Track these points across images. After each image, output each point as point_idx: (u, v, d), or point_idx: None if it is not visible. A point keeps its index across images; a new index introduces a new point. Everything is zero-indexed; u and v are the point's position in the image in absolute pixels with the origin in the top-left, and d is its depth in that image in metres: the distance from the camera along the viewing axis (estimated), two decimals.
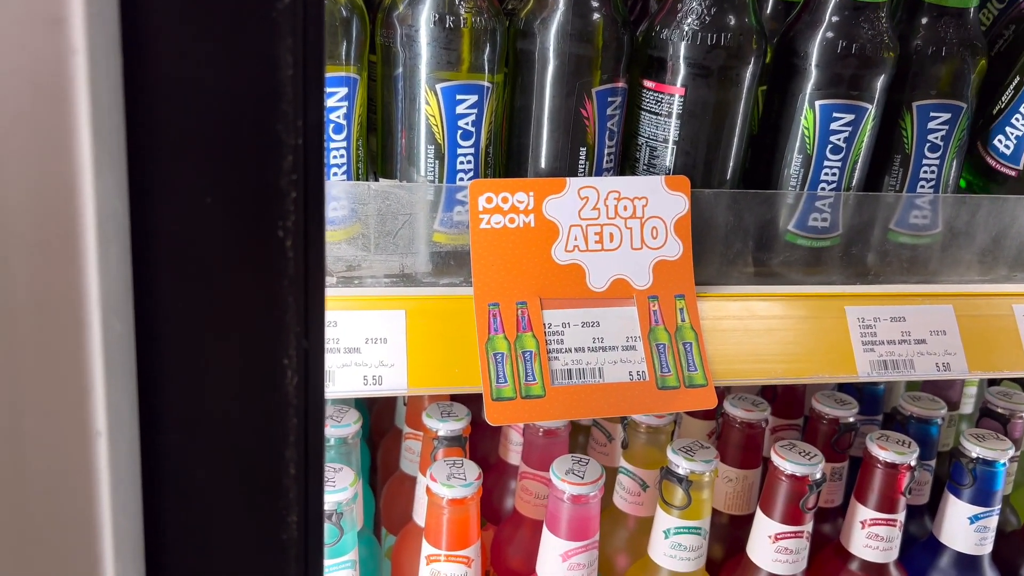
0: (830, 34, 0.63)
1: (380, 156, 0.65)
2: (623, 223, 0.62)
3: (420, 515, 0.78)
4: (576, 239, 0.61)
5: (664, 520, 0.72)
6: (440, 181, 0.61)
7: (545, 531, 0.69)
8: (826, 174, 0.66)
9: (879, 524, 0.75)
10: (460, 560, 0.67)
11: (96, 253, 0.29)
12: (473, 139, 0.61)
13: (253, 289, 0.35)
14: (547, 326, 0.60)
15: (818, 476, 0.70)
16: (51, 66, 0.26)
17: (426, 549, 0.68)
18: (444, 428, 0.74)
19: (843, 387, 0.93)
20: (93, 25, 0.28)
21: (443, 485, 0.65)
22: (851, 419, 0.82)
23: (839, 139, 0.65)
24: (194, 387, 0.34)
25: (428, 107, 0.59)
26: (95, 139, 0.28)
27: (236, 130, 0.33)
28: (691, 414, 0.90)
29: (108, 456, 0.30)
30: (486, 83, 0.60)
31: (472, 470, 0.67)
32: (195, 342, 0.34)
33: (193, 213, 0.33)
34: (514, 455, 0.87)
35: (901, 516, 0.75)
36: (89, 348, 0.29)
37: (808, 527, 0.73)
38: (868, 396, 0.93)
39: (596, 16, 0.61)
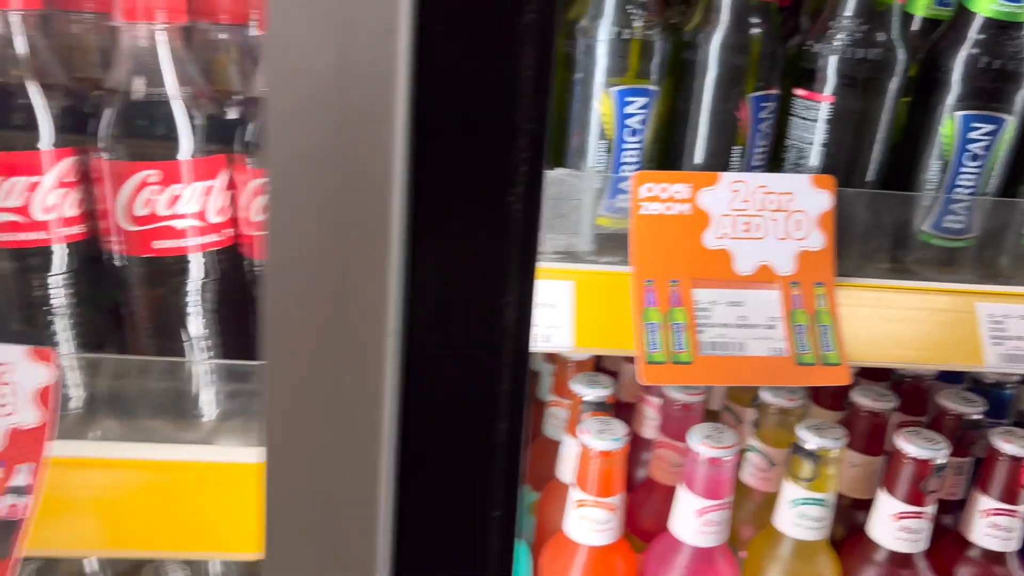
0: (973, 50, 0.69)
1: (554, 149, 0.74)
2: (770, 215, 0.70)
3: (565, 472, 0.87)
4: (725, 227, 0.69)
5: (791, 491, 0.78)
6: (608, 172, 0.70)
7: (681, 490, 0.77)
8: (962, 180, 0.72)
9: (1000, 514, 0.79)
10: (606, 507, 0.75)
11: (397, 198, 0.39)
12: (639, 136, 0.70)
13: (487, 240, 0.45)
14: (696, 303, 0.69)
15: (941, 460, 0.75)
16: (386, 64, 0.36)
17: (575, 495, 0.77)
18: (592, 394, 0.83)
19: (970, 390, 0.96)
20: (407, 35, 0.38)
21: (595, 438, 0.74)
22: (976, 416, 0.86)
23: (977, 148, 0.71)
24: (443, 307, 0.44)
25: (602, 107, 0.69)
26: (403, 116, 0.38)
27: (485, 115, 0.43)
28: (819, 403, 0.96)
29: (393, 350, 0.41)
30: (653, 87, 0.69)
31: (621, 428, 0.76)
32: (444, 276, 0.44)
33: (449, 176, 0.43)
34: (648, 430, 0.95)
35: (1022, 508, 0.79)
36: (389, 265, 0.39)
37: (929, 509, 0.77)
38: (995, 399, 0.96)
39: (754, 31, 0.69)
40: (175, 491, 0.64)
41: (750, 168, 0.72)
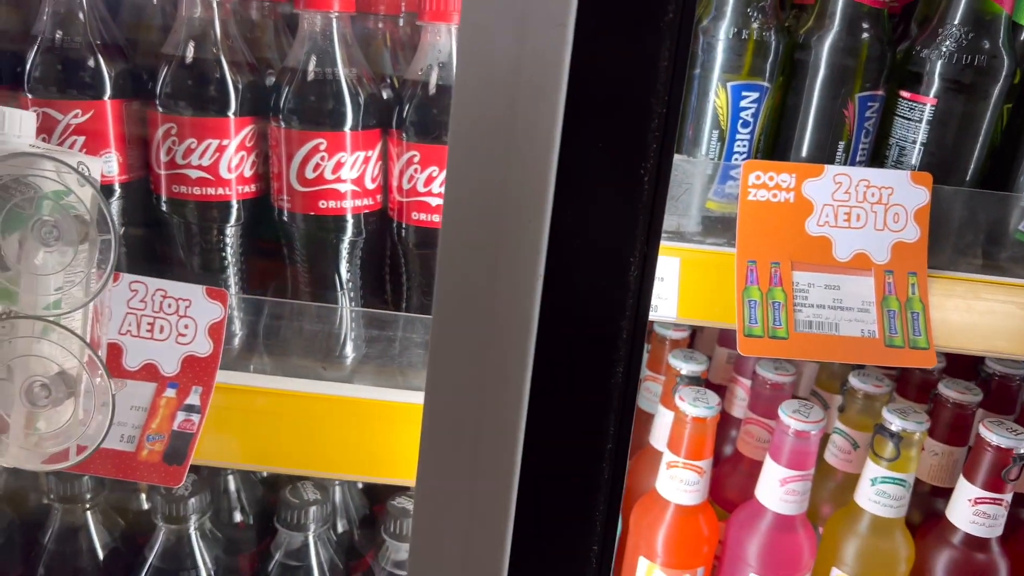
0: None
1: None
2: (869, 207, 0.75)
3: (658, 439, 0.94)
4: (827, 216, 0.75)
5: (872, 469, 0.83)
6: (719, 160, 0.77)
7: (768, 460, 0.83)
8: None
9: None
10: (695, 469, 0.82)
11: (553, 166, 0.47)
12: (750, 128, 0.76)
13: (621, 207, 0.52)
14: (795, 284, 0.74)
15: (1022, 450, 0.79)
16: (556, 53, 0.44)
17: (667, 457, 0.84)
18: (687, 368, 0.89)
19: None
20: (571, 29, 0.46)
21: (690, 404, 0.80)
22: None
23: None
24: (577, 258, 0.52)
25: (718, 100, 0.75)
26: (564, 96, 0.46)
27: (626, 98, 0.50)
28: (904, 395, 1.00)
29: (538, 294, 0.48)
30: (766, 84, 0.75)
31: (713, 398, 0.82)
32: (584, 234, 0.52)
33: (592, 149, 0.51)
34: (737, 408, 1.01)
35: None
36: (543, 222, 0.47)
37: (1007, 497, 0.81)
38: None
39: (864, 35, 0.74)
40: (318, 420, 0.74)
41: (853, 163, 0.77)
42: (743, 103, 0.75)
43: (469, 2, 0.43)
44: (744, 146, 0.76)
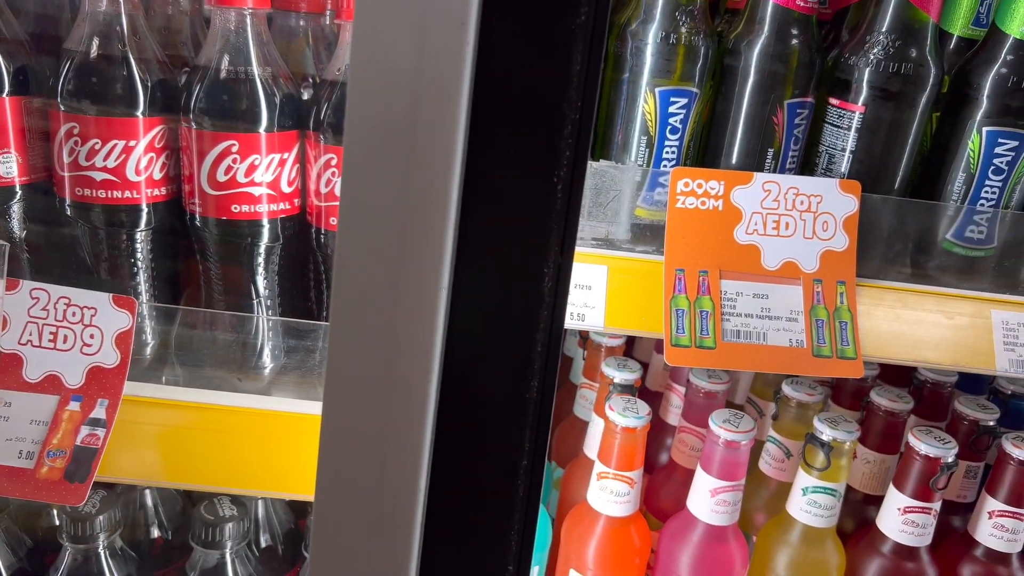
0: (1003, 70, 0.72)
1: (599, 143, 0.79)
2: (798, 215, 0.74)
3: (591, 448, 0.92)
4: (756, 224, 0.74)
5: (804, 479, 0.82)
6: (647, 166, 0.75)
7: (699, 471, 0.82)
8: (986, 192, 0.75)
9: (1006, 516, 0.83)
10: (626, 480, 0.80)
11: (457, 171, 0.45)
12: (679, 134, 0.75)
13: (532, 214, 0.50)
14: (723, 293, 0.73)
15: (950, 459, 0.79)
16: (458, 54, 0.42)
17: (598, 468, 0.82)
18: (620, 376, 0.88)
19: (990, 399, 0.99)
20: (473, 28, 0.44)
21: (620, 415, 0.79)
22: (991, 423, 0.90)
23: (1002, 162, 0.74)
24: (486, 268, 0.49)
25: (646, 105, 0.74)
26: (467, 99, 0.44)
27: (536, 103, 0.48)
28: (838, 402, 0.99)
29: (444, 305, 0.46)
30: (695, 89, 0.74)
31: (644, 408, 0.81)
32: (492, 245, 0.50)
33: (501, 155, 0.49)
34: (672, 416, 1.00)
35: None
36: (446, 230, 0.45)
37: (935, 506, 0.81)
38: (1013, 409, 0.99)
39: (794, 41, 0.73)
40: (234, 434, 0.71)
41: (783, 170, 0.77)
42: (672, 108, 0.73)
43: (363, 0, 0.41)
44: (673, 152, 0.75)
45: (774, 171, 0.76)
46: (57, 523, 0.87)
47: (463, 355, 0.50)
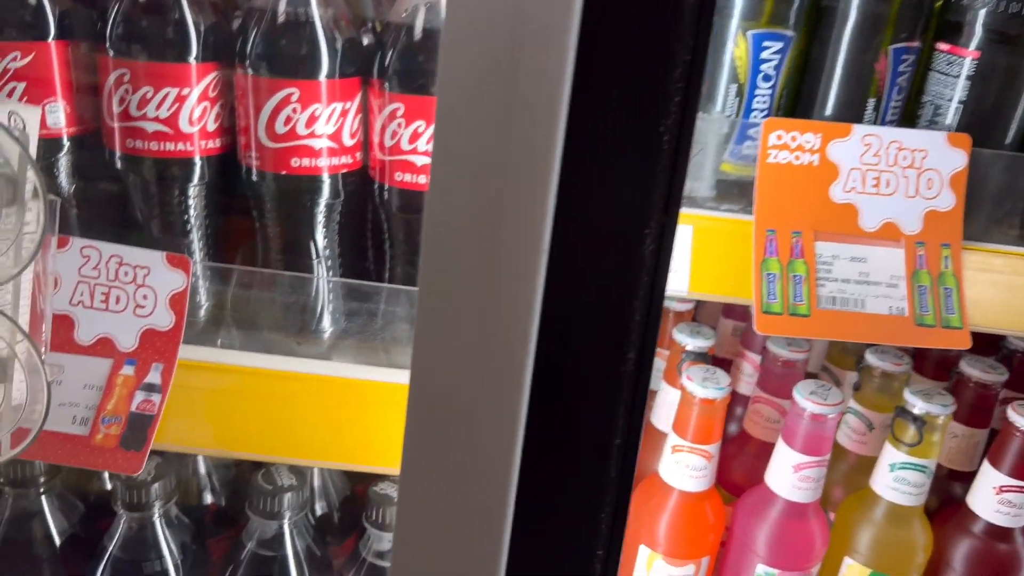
0: None
1: None
2: (900, 171, 0.68)
3: (660, 418, 0.88)
4: (854, 181, 0.68)
5: (891, 455, 0.77)
6: (736, 117, 0.69)
7: (780, 445, 0.77)
8: None
9: None
10: (703, 454, 0.76)
11: (561, 122, 0.40)
12: (772, 82, 0.68)
13: (637, 170, 0.45)
14: (818, 256, 0.68)
15: None
16: None
17: (672, 440, 0.77)
18: (693, 343, 0.83)
19: None
20: None
21: (699, 385, 0.74)
22: None
23: None
24: (584, 229, 0.45)
25: (737, 50, 0.67)
26: (573, 40, 0.39)
27: (645, 41, 0.43)
28: (921, 372, 0.94)
29: (543, 270, 0.42)
30: (790, 33, 0.68)
31: (724, 378, 0.76)
32: (593, 201, 0.45)
33: (602, 101, 0.43)
34: (744, 385, 0.95)
35: None
36: (548, 188, 0.40)
37: None
38: None
39: None
40: (293, 401, 0.67)
41: (883, 122, 0.70)
42: (764, 54, 0.67)
43: None
44: (764, 102, 0.69)
45: (874, 123, 0.70)
46: (110, 487, 0.85)
47: (559, 325, 0.46)
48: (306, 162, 0.64)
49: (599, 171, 0.44)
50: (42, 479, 0.76)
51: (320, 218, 0.68)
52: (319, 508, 0.88)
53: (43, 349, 0.61)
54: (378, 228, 0.72)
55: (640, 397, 0.50)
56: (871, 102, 0.69)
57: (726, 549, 0.83)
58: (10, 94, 0.63)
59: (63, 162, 0.68)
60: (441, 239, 0.41)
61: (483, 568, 0.50)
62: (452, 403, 0.45)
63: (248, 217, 0.71)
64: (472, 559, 0.50)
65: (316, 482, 0.88)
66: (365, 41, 0.66)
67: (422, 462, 0.47)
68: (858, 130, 0.68)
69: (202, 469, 0.86)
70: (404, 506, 0.49)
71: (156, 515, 0.74)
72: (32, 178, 0.47)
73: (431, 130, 0.65)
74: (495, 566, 0.50)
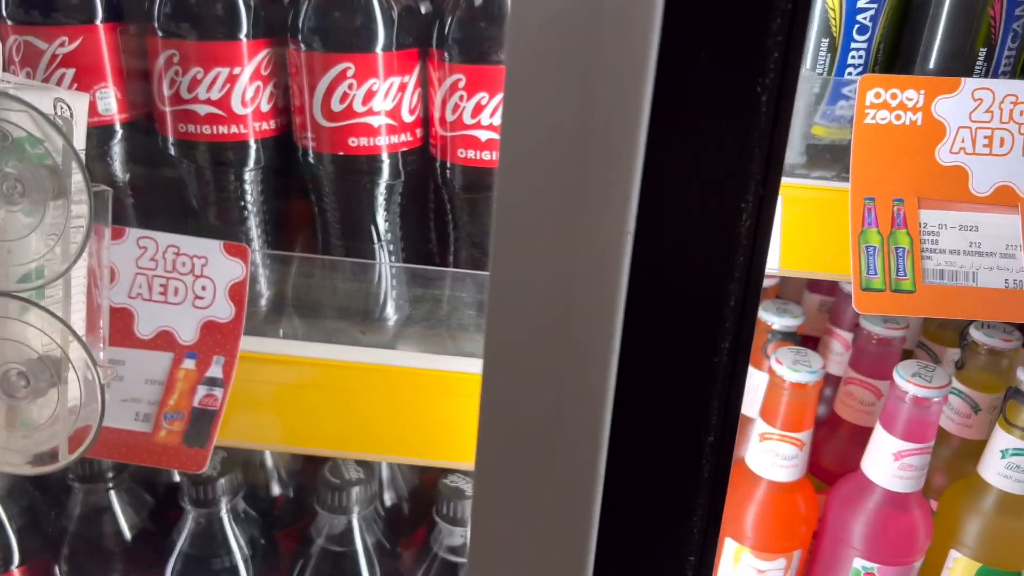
0: None
1: None
2: (1017, 129, 0.61)
3: (745, 404, 0.83)
4: (963, 141, 0.61)
5: (1003, 439, 0.71)
6: (828, 75, 0.63)
7: (879, 430, 0.71)
8: None
9: None
10: (794, 442, 0.71)
11: (647, 88, 0.35)
12: (868, 34, 0.62)
13: (732, 137, 0.40)
14: (922, 225, 0.61)
15: None
16: None
17: (760, 427, 0.72)
18: (780, 322, 0.77)
19: None
20: None
21: (790, 368, 0.69)
22: None
23: None
24: (673, 205, 0.40)
25: (828, 0, 0.61)
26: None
27: None
28: None
29: (628, 252, 0.37)
30: None
31: (816, 360, 0.70)
32: (679, 171, 0.40)
33: (692, 57, 0.38)
34: (834, 364, 0.89)
35: None
36: (633, 160, 0.36)
37: None
38: None
39: None
40: (359, 393, 0.64)
41: (997, 74, 0.63)
42: (860, 3, 0.61)
43: None
44: (860, 57, 0.63)
45: (986, 76, 0.63)
46: (178, 480, 0.83)
47: (645, 310, 0.41)
48: (364, 141, 0.61)
49: (690, 139, 0.39)
50: (110, 474, 0.75)
51: (380, 200, 0.64)
52: (388, 499, 0.86)
53: (102, 345, 0.59)
54: (441, 209, 0.68)
55: (736, 391, 0.45)
56: (982, 52, 0.62)
57: (819, 542, 0.78)
58: (59, 81, 0.61)
59: (116, 149, 0.66)
60: (513, 220, 0.36)
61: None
62: (528, 400, 0.41)
63: (307, 201, 0.68)
64: (555, 566, 0.46)
65: (385, 473, 0.85)
66: (423, 9, 0.62)
67: (497, 464, 0.43)
68: (968, 84, 0.61)
69: (269, 461, 0.84)
70: (479, 511, 0.45)
71: (223, 511, 0.72)
72: (77, 169, 0.44)
73: (496, 102, 0.61)
74: (581, 573, 0.46)
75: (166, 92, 0.61)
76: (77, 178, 0.45)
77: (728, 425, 0.45)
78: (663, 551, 0.47)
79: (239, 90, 0.61)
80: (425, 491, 0.88)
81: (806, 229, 0.63)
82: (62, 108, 0.50)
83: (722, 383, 0.44)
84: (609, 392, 0.40)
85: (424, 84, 0.62)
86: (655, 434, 0.45)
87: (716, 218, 0.41)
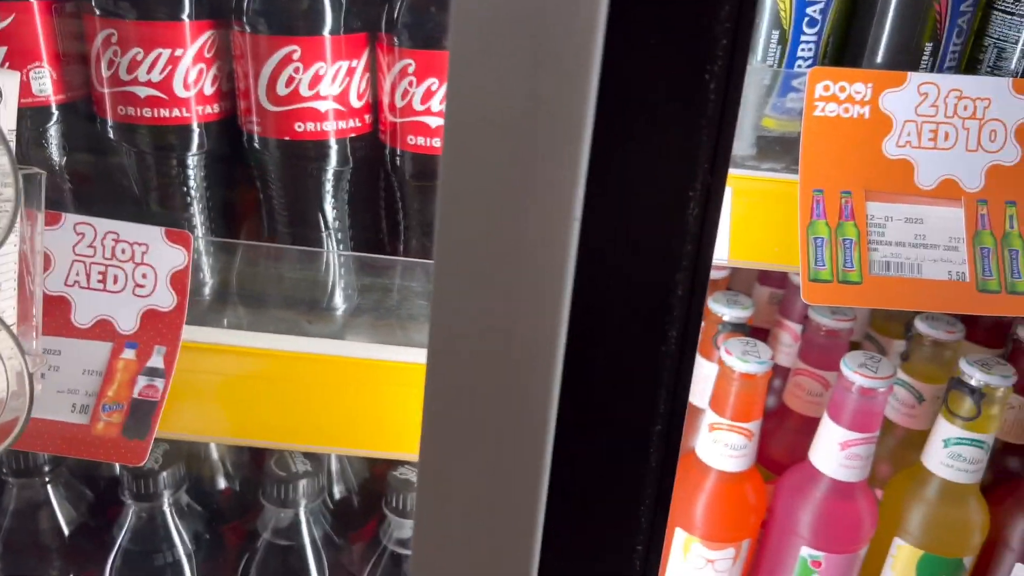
0: None
1: None
2: (960, 123, 0.62)
3: (694, 393, 0.83)
4: (909, 135, 0.62)
5: (945, 429, 0.72)
6: (779, 67, 0.63)
7: (826, 420, 0.72)
8: None
9: None
10: (743, 432, 0.71)
11: (594, 69, 0.35)
12: (818, 27, 0.62)
13: (675, 120, 0.39)
14: (869, 217, 0.62)
15: None
16: None
17: (710, 418, 0.73)
18: (731, 314, 0.78)
19: None
20: None
21: (739, 359, 0.69)
22: None
23: None
24: (619, 192, 0.40)
25: None
26: None
27: None
28: (973, 338, 0.88)
29: (575, 236, 0.37)
30: None
31: (766, 351, 0.71)
32: (625, 158, 0.40)
33: (640, 41, 0.38)
34: (783, 356, 0.90)
35: None
36: (579, 146, 0.35)
37: None
38: None
39: None
40: (305, 384, 0.63)
41: (942, 69, 0.64)
42: None
43: None
44: (810, 50, 0.63)
45: (931, 70, 0.64)
46: (118, 473, 0.81)
47: (591, 299, 0.41)
48: (311, 126, 0.59)
49: (638, 125, 0.39)
50: (47, 468, 0.73)
51: (328, 187, 0.63)
52: (337, 492, 0.84)
53: (34, 334, 0.57)
54: (391, 197, 0.67)
55: (683, 380, 0.45)
56: (928, 47, 0.63)
57: (767, 530, 0.78)
58: None
59: (53, 132, 0.64)
60: (458, 207, 0.36)
61: (513, 566, 0.46)
62: (473, 388, 0.40)
63: (252, 188, 0.66)
64: (501, 556, 0.46)
65: (334, 466, 0.84)
66: None
67: (442, 453, 0.43)
68: (914, 79, 0.61)
69: (214, 454, 0.82)
70: (424, 500, 0.45)
71: (166, 504, 0.70)
72: (3, 150, 0.42)
73: (445, 88, 0.60)
74: (526, 564, 0.46)
75: (105, 73, 0.59)
76: (3, 160, 0.43)
77: (676, 414, 0.45)
78: (610, 541, 0.47)
79: (181, 72, 0.59)
80: (375, 484, 0.87)
81: (756, 220, 0.63)
82: None
83: (669, 372, 0.44)
84: (555, 381, 0.40)
85: (373, 69, 0.61)
86: (602, 423, 0.45)
87: (664, 206, 0.41)
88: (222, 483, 0.83)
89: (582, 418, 0.44)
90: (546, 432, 0.41)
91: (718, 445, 0.72)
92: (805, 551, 0.75)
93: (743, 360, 0.69)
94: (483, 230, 0.36)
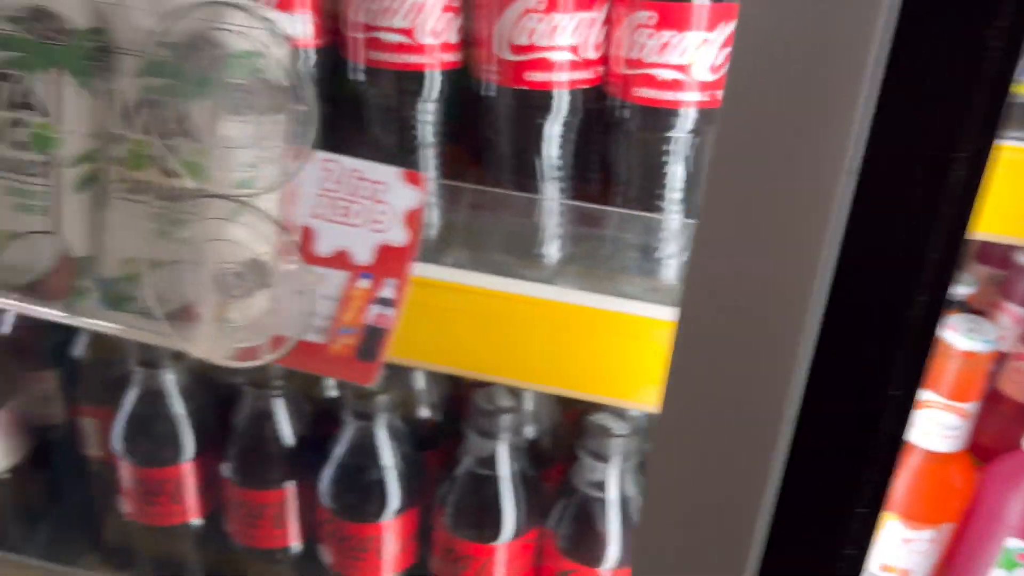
0: None
1: None
2: None
3: None
4: None
5: None
6: None
7: None
8: None
9: None
10: (959, 412, 0.68)
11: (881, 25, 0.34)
12: None
13: (952, 76, 0.38)
14: None
15: None
16: None
17: (923, 395, 0.70)
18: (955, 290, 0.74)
19: None
20: None
21: (963, 336, 0.66)
22: None
23: None
24: (888, 150, 0.39)
25: None
26: None
27: None
28: None
29: (847, 194, 0.37)
30: None
31: (992, 330, 0.67)
32: (895, 111, 0.39)
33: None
34: (1002, 341, 0.85)
35: None
36: (858, 96, 0.35)
37: None
38: None
39: None
40: (518, 324, 0.66)
41: None
42: None
43: None
44: None
45: None
46: (334, 395, 0.88)
47: (846, 260, 0.41)
48: (544, 76, 0.62)
49: (909, 76, 0.38)
50: (278, 382, 0.81)
51: (555, 137, 0.65)
52: (530, 432, 0.88)
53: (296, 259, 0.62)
54: (610, 148, 0.68)
55: (921, 350, 0.44)
56: None
57: (971, 517, 0.75)
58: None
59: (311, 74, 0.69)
60: (732, 161, 0.36)
61: (737, 528, 0.47)
62: (723, 347, 0.41)
63: (477, 135, 0.69)
64: (728, 520, 0.46)
65: (529, 406, 0.87)
66: None
67: (682, 411, 0.44)
68: None
69: (421, 385, 0.88)
70: (658, 457, 0.46)
71: (382, 425, 0.76)
72: (303, 88, 0.47)
73: (682, 42, 0.60)
74: (750, 526, 0.46)
75: (358, 19, 0.64)
76: (294, 95, 0.48)
77: (908, 392, 0.44)
78: (836, 513, 0.47)
79: (424, 19, 0.62)
80: (565, 429, 0.90)
81: (1004, 191, 0.60)
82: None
83: (915, 338, 0.43)
84: (808, 337, 0.40)
85: (609, 21, 0.62)
86: (842, 390, 0.44)
87: (928, 169, 0.40)
88: (426, 413, 0.88)
89: (827, 380, 0.43)
90: (787, 391, 0.42)
91: (931, 424, 0.70)
92: (1012, 542, 0.71)
93: (968, 337, 0.66)
94: (752, 185, 0.37)
